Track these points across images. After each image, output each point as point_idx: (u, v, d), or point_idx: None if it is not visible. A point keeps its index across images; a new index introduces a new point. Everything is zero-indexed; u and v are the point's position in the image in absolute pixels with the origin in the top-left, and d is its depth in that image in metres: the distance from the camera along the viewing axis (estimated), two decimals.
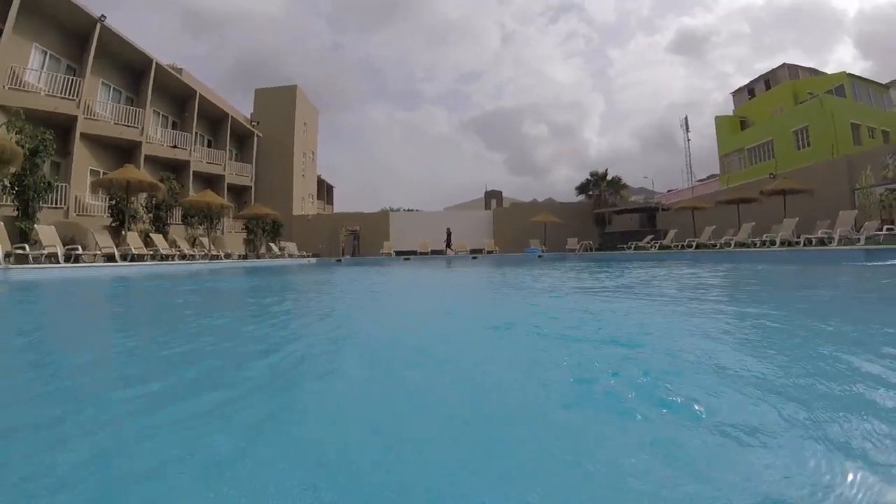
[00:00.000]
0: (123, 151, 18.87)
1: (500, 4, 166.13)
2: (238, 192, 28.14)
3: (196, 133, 23.39)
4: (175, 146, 21.55)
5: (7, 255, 10.28)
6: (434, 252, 26.36)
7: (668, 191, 44.05)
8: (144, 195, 17.32)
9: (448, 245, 27.04)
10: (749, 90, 36.58)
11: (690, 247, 17.88)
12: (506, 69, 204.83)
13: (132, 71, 19.69)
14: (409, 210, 44.18)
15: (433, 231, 28.04)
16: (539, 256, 21.59)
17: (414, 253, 25.83)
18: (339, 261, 23.17)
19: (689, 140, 44.05)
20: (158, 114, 21.68)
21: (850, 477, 0.95)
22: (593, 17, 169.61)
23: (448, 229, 27.42)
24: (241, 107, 30.65)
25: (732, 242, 16.18)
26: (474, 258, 22.72)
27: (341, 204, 48.23)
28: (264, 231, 24.28)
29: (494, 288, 7.59)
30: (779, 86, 33.31)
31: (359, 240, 29.49)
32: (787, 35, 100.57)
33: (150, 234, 16.26)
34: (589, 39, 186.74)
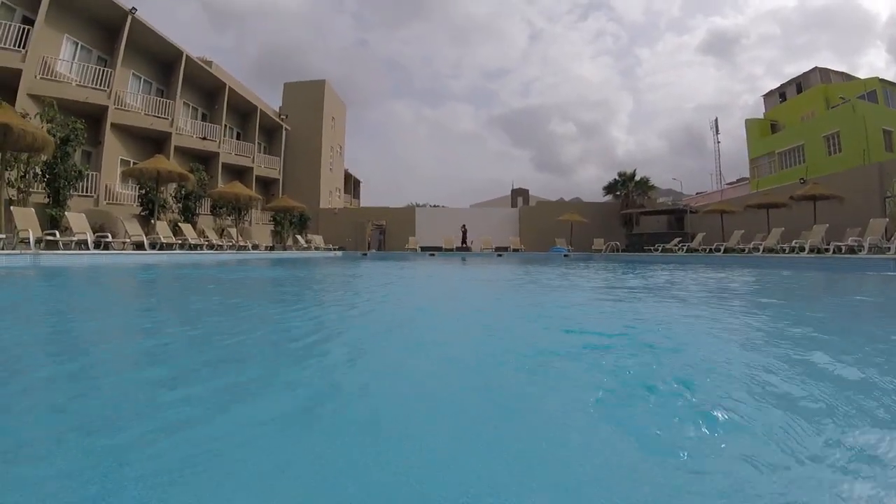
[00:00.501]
0: (153, 142, 19.00)
1: (528, 3, 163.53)
2: (266, 185, 28.24)
3: (225, 125, 23.48)
4: (205, 138, 21.64)
5: (38, 241, 10.30)
6: (458, 248, 26.06)
7: (697, 193, 42.89)
8: (174, 185, 17.40)
9: (464, 241, 26.85)
10: (780, 93, 35.28)
11: (718, 251, 17.50)
12: (533, 67, 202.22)
13: (162, 63, 19.80)
14: (434, 206, 43.86)
15: (458, 227, 27.79)
16: (565, 256, 21.03)
17: (439, 249, 25.48)
18: (365, 255, 22.95)
19: (718, 142, 42.40)
20: (188, 105, 21.81)
21: None
22: (622, 16, 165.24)
23: (463, 226, 27.29)
24: (267, 100, 30.77)
25: (761, 248, 15.66)
26: (499, 256, 22.21)
27: (367, 198, 48.18)
28: (291, 223, 24.30)
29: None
30: (810, 89, 31.97)
31: (384, 234, 29.34)
32: (817, 38, 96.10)
33: (179, 224, 16.29)
34: (617, 38, 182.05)
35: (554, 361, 2.11)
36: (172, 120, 19.11)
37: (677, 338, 2.70)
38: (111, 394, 1.62)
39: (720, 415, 1.34)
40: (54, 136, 12.04)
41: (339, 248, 24.77)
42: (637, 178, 27.59)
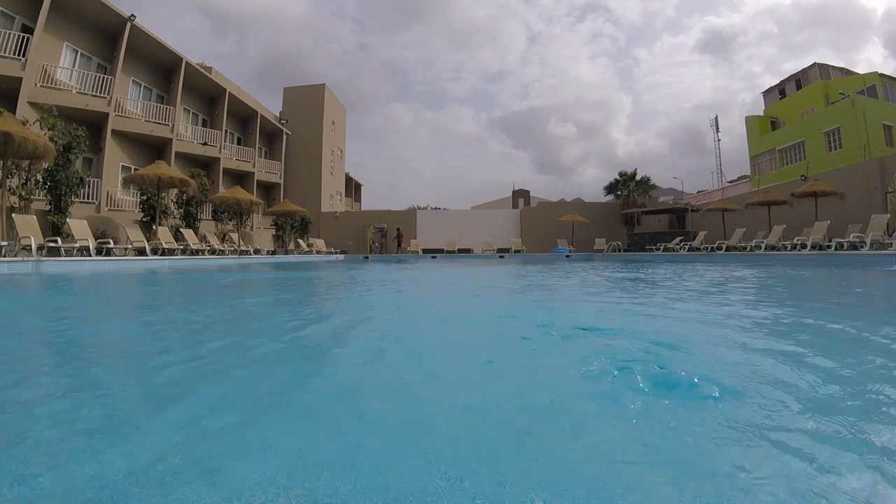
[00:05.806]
0: (154, 148, 19.03)
1: (526, 4, 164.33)
2: (267, 189, 28.26)
3: (226, 131, 23.50)
4: (205, 143, 21.65)
5: (40, 248, 10.29)
6: (461, 251, 26.03)
7: (698, 192, 42.84)
8: (175, 191, 17.40)
9: (399, 244, 27.16)
10: (780, 90, 35.19)
11: (720, 249, 17.44)
12: (532, 69, 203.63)
13: (162, 69, 19.83)
14: (435, 208, 43.87)
15: (460, 229, 27.81)
16: (567, 256, 20.98)
17: (441, 251, 25.45)
18: (367, 258, 22.94)
19: (718, 140, 42.24)
20: (188, 111, 21.83)
21: None
22: (619, 17, 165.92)
23: (398, 228, 27.71)
24: (267, 104, 30.81)
25: (763, 245, 15.60)
26: (501, 257, 22.13)
27: (368, 202, 48.22)
28: (293, 227, 24.29)
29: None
30: (810, 86, 31.93)
31: (386, 237, 29.37)
32: (814, 34, 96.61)
33: (181, 229, 16.28)
34: (615, 39, 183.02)
35: None
36: (173, 126, 19.12)
37: None
38: None
39: None
40: (56, 143, 12.06)
41: (341, 252, 24.76)
42: (638, 177, 27.60)
